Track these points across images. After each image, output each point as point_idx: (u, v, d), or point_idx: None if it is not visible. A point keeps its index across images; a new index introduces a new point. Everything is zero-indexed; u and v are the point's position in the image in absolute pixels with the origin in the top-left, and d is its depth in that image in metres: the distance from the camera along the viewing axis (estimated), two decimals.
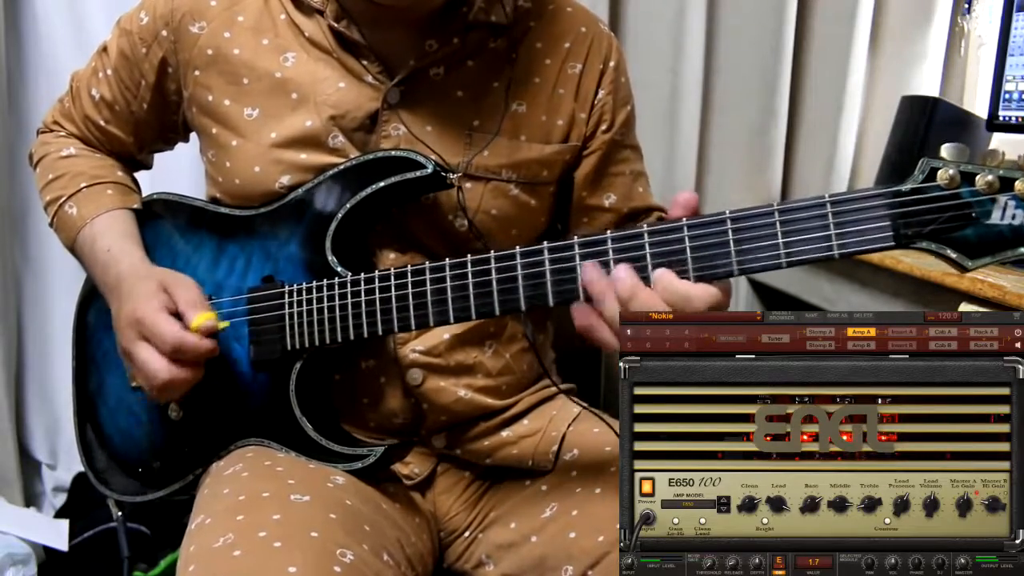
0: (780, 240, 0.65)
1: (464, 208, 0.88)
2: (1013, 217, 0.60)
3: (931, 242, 0.62)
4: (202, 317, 0.81)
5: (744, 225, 0.65)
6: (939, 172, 0.62)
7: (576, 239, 0.71)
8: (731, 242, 0.66)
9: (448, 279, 0.77)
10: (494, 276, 0.75)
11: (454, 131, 0.89)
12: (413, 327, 0.79)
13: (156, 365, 0.81)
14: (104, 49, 0.98)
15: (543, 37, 0.94)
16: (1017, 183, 0.60)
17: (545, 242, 0.73)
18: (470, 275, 0.76)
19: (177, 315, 0.83)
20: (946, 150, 0.63)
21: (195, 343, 0.80)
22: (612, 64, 0.96)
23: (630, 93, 1.00)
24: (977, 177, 0.61)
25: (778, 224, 0.65)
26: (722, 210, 0.67)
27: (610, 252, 0.70)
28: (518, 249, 0.74)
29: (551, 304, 0.73)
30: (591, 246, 0.71)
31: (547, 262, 0.72)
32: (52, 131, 1.03)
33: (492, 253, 0.75)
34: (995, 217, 0.61)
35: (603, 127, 0.95)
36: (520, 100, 0.91)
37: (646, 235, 0.68)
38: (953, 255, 0.62)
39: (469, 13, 0.89)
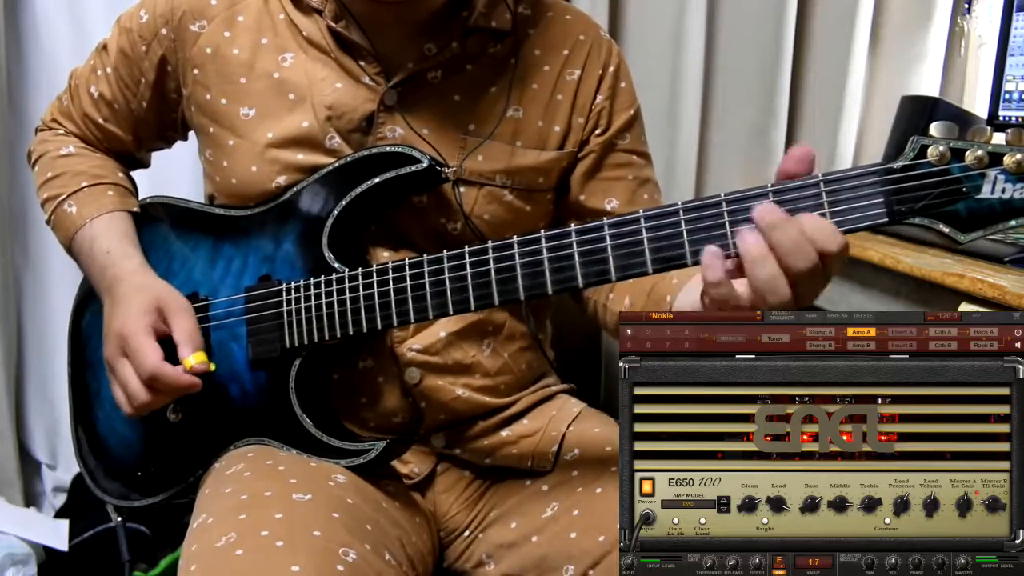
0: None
1: (459, 211, 0.88)
2: (1003, 191, 0.61)
3: (923, 217, 0.63)
4: (195, 358, 0.82)
5: (739, 207, 0.65)
6: (929, 149, 0.62)
7: (573, 227, 0.72)
8: (727, 224, 0.66)
9: (446, 270, 0.77)
10: (492, 266, 0.75)
11: (450, 134, 0.89)
12: (412, 320, 0.79)
13: (135, 387, 0.83)
14: (104, 47, 0.98)
15: (542, 44, 0.93)
16: (1005, 158, 0.60)
17: (543, 231, 0.73)
18: (468, 266, 0.76)
19: (164, 336, 0.84)
20: (936, 128, 0.64)
21: (173, 377, 0.81)
22: (611, 70, 0.96)
23: (633, 99, 0.98)
24: (967, 153, 0.61)
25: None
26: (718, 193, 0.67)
27: (607, 238, 0.70)
28: (516, 239, 0.74)
29: (550, 292, 0.73)
30: (588, 232, 0.71)
31: (545, 251, 0.73)
32: (51, 129, 1.03)
33: (490, 243, 0.75)
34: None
35: (598, 131, 0.95)
36: (517, 106, 0.91)
37: (642, 220, 0.69)
38: (946, 230, 0.63)
39: (470, 18, 0.89)
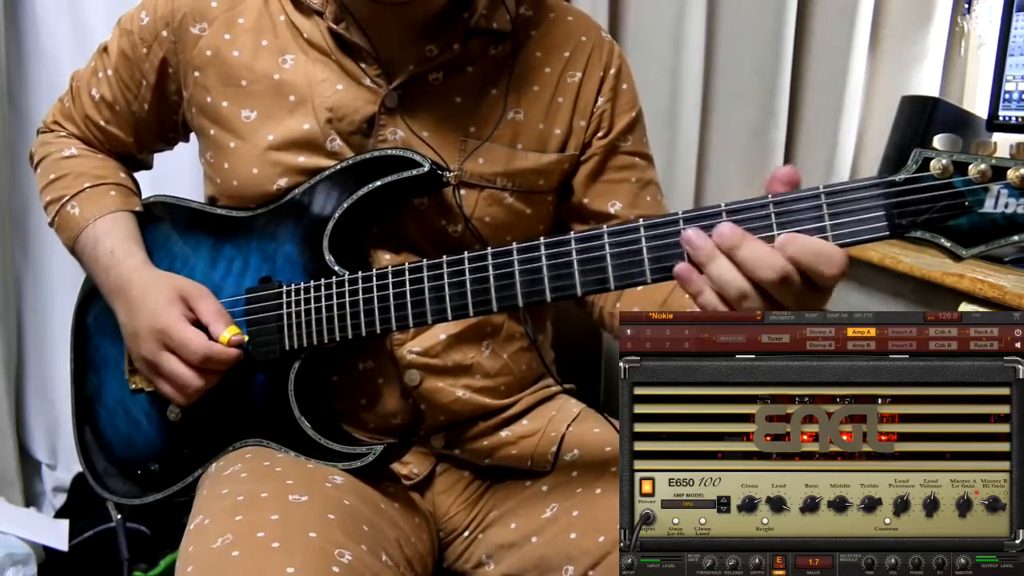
0: (775, 232, 0.64)
1: (460, 213, 0.88)
2: (1006, 206, 0.60)
3: (925, 231, 0.63)
4: (230, 331, 0.84)
5: (740, 217, 0.65)
6: (932, 162, 0.62)
7: (572, 235, 0.72)
8: None
9: (446, 276, 0.77)
10: (491, 272, 0.75)
11: (450, 136, 0.89)
12: (411, 325, 0.79)
13: (187, 375, 0.84)
14: (104, 49, 0.98)
15: (543, 45, 0.93)
16: (1009, 172, 0.60)
17: (542, 238, 0.73)
18: (467, 272, 0.76)
19: (197, 324, 0.85)
20: (939, 140, 0.64)
21: (223, 352, 0.83)
22: (612, 72, 0.95)
23: (634, 101, 0.98)
24: (970, 167, 0.61)
25: (773, 216, 0.65)
26: (718, 203, 0.67)
27: (607, 247, 0.70)
28: (515, 245, 0.74)
29: (548, 300, 0.73)
30: (587, 240, 0.71)
31: (544, 258, 0.73)
32: (52, 131, 1.03)
33: (489, 250, 0.75)
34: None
35: (600, 133, 0.95)
36: (518, 108, 0.91)
37: (642, 229, 0.69)
38: (947, 244, 0.62)
39: (471, 19, 0.89)
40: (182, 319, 0.84)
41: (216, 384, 0.86)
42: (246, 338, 0.85)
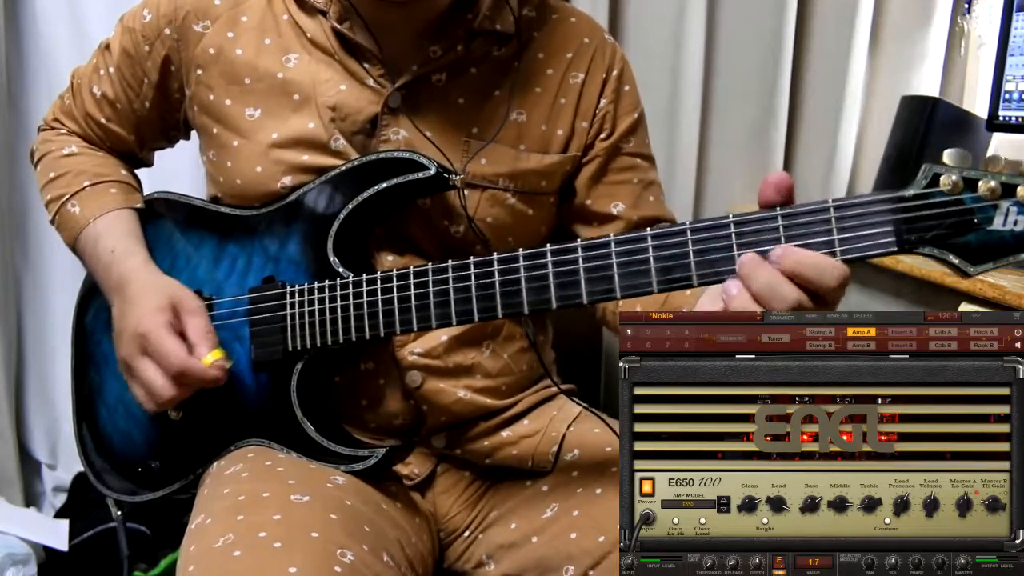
0: (783, 245, 0.64)
1: (463, 213, 0.88)
2: (1015, 223, 0.60)
3: (933, 248, 0.62)
4: (215, 355, 0.82)
5: (747, 229, 0.65)
6: (942, 178, 0.62)
7: (579, 243, 0.71)
8: (734, 246, 0.65)
9: (451, 280, 0.77)
10: (497, 279, 0.75)
11: (453, 137, 0.89)
12: (415, 328, 0.79)
13: (159, 384, 0.82)
14: (107, 46, 0.98)
15: (546, 47, 0.93)
16: (1019, 189, 0.60)
17: (548, 245, 0.73)
18: (473, 277, 0.76)
19: (179, 333, 0.83)
20: (948, 156, 0.63)
21: (201, 371, 0.81)
22: (615, 73, 0.95)
23: (636, 102, 0.98)
24: (979, 183, 0.61)
25: (781, 229, 0.64)
26: (724, 213, 0.67)
27: (613, 255, 0.70)
28: (521, 252, 0.74)
29: (554, 307, 0.73)
30: (594, 249, 0.71)
31: (550, 265, 0.73)
32: (53, 128, 1.03)
33: (495, 255, 0.75)
34: (997, 223, 0.61)
35: (602, 135, 0.95)
36: (521, 109, 0.91)
37: (649, 239, 0.69)
38: (955, 261, 0.62)
39: (474, 20, 0.89)
40: (165, 327, 0.82)
41: (188, 397, 0.84)
42: (229, 364, 0.83)
